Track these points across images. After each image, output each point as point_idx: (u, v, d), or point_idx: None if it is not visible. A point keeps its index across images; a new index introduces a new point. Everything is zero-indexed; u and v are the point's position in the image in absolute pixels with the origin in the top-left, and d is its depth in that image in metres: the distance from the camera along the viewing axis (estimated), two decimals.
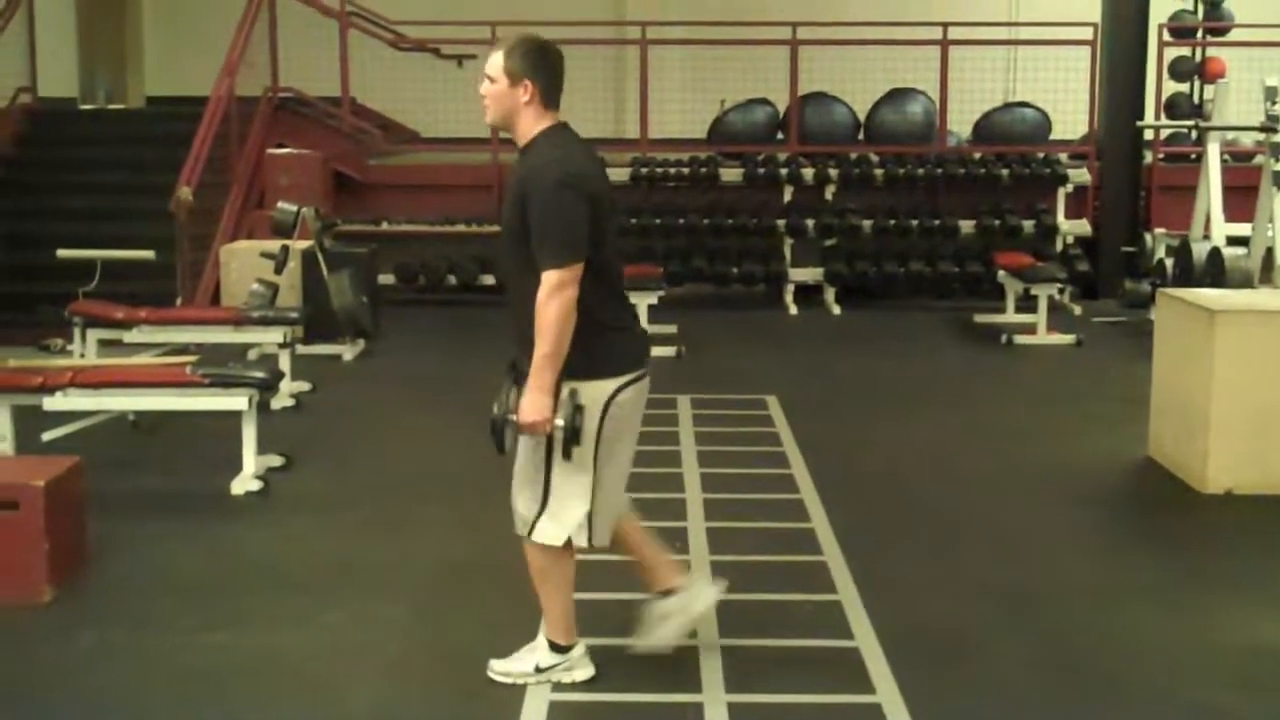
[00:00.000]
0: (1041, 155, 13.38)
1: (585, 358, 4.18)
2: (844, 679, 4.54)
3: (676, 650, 4.69)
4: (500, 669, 4.52)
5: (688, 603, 4.62)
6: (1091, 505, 6.66)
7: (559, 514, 4.31)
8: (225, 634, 4.95)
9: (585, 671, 4.50)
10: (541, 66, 4.24)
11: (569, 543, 4.37)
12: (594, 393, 4.24)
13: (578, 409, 4.18)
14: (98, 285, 9.39)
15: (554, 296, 4.09)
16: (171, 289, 10.70)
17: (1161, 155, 13.71)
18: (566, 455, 4.20)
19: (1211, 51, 14.35)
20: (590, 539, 4.36)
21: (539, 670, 4.48)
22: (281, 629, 5.01)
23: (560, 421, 4.16)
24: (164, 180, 11.34)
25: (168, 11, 16.81)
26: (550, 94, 4.27)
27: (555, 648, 4.48)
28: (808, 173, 13.08)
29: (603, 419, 4.27)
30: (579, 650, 4.51)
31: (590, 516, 4.33)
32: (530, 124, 4.27)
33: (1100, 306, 12.46)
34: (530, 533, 4.35)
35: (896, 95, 13.79)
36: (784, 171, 13.04)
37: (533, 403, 4.14)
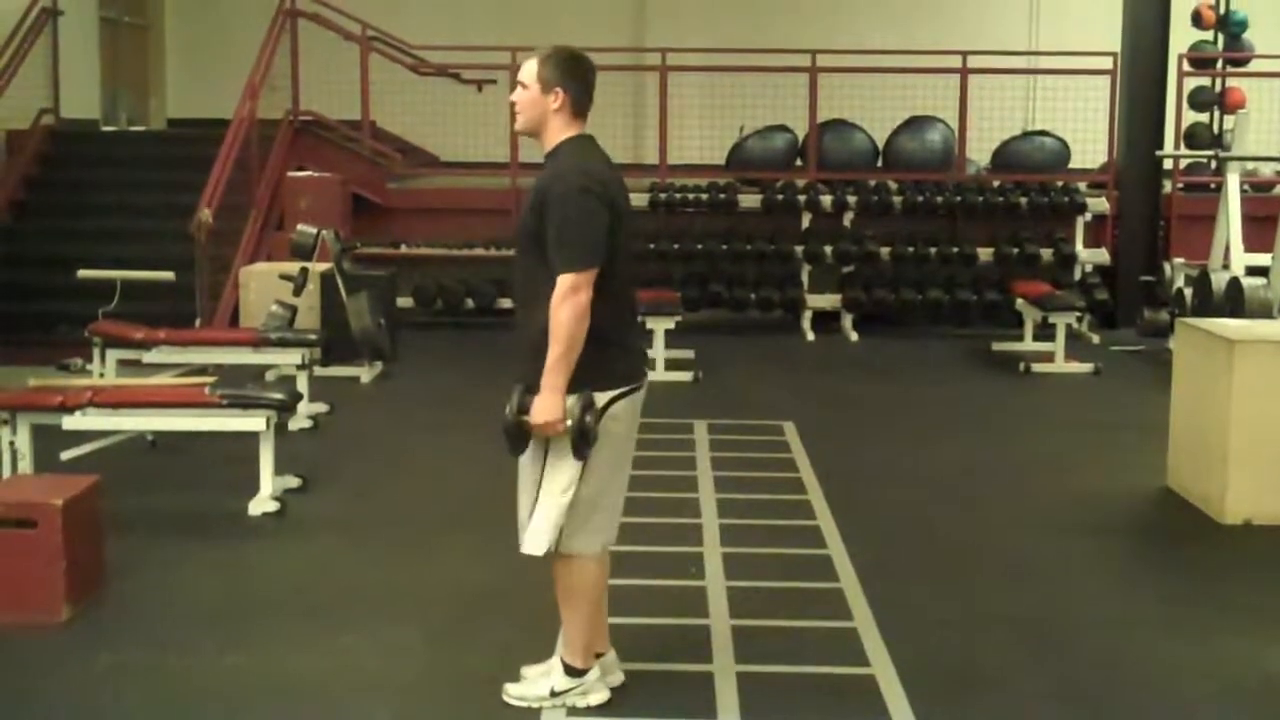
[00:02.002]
0: (1060, 184, 13.36)
1: (582, 369, 4.20)
2: (860, 706, 4.53)
3: (692, 675, 4.68)
4: (516, 693, 4.52)
5: (578, 688, 4.50)
6: (1109, 535, 6.63)
7: (544, 520, 4.30)
8: (241, 656, 4.95)
9: (600, 696, 4.50)
10: (573, 76, 4.32)
11: (599, 560, 4.39)
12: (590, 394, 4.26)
13: (588, 409, 4.20)
14: (117, 305, 9.40)
15: (568, 299, 4.13)
16: (191, 310, 10.73)
17: (1181, 185, 13.69)
18: (579, 455, 4.23)
19: (1231, 82, 14.34)
20: (565, 547, 4.34)
21: (554, 694, 4.47)
22: (297, 652, 5.01)
23: (570, 422, 4.18)
24: (184, 202, 11.39)
25: (190, 35, 16.90)
26: (580, 103, 4.34)
27: (571, 671, 4.47)
28: (826, 200, 13.08)
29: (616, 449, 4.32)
30: (594, 674, 4.50)
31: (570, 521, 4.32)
32: (557, 131, 4.33)
33: (1119, 336, 12.42)
34: (521, 543, 4.35)
35: (915, 123, 13.80)
36: (802, 198, 13.05)
37: (546, 403, 4.17)
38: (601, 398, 4.27)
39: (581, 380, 4.21)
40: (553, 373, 4.16)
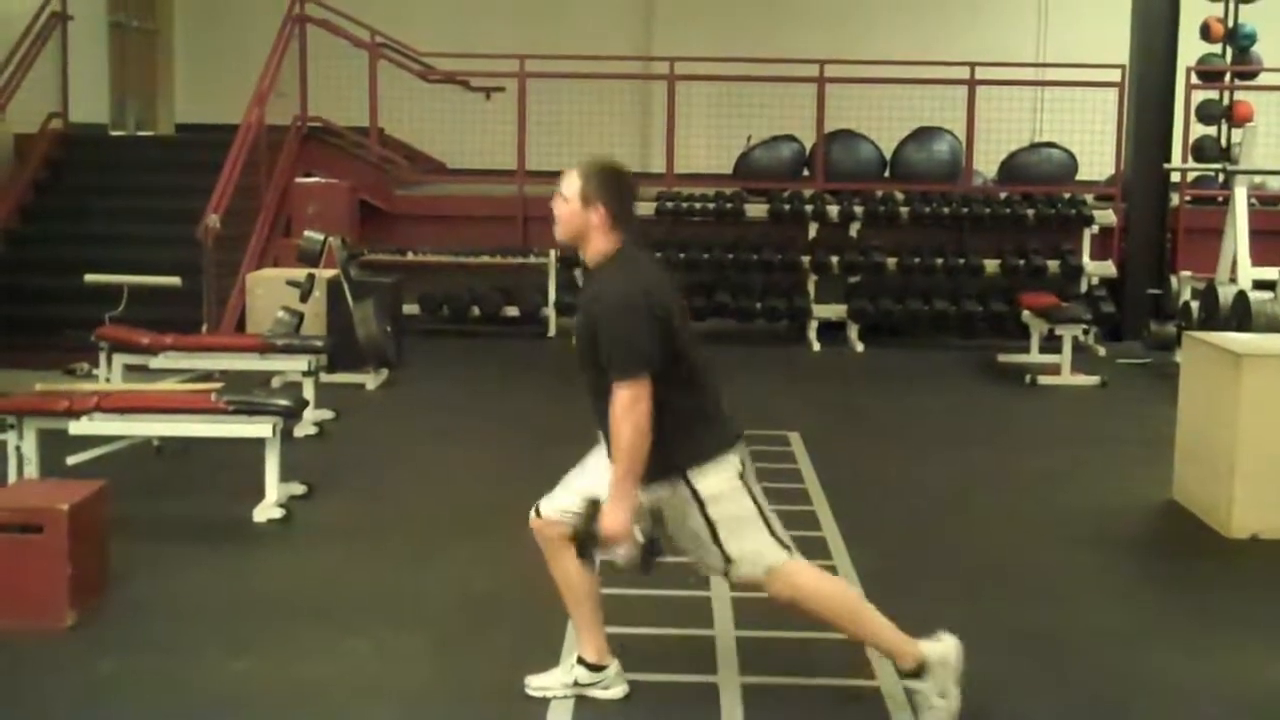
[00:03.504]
0: (1067, 196, 13.36)
1: (672, 453, 4.29)
2: (865, 718, 4.52)
3: (696, 687, 4.68)
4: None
5: (600, 682, 4.61)
6: (1115, 548, 6.62)
7: (755, 552, 4.41)
8: (246, 662, 4.95)
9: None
10: (614, 191, 4.42)
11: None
12: (720, 474, 4.37)
13: (657, 521, 4.33)
14: (124, 310, 9.42)
15: (627, 414, 4.20)
16: (197, 315, 10.73)
17: (1188, 198, 13.67)
18: (646, 570, 4.33)
19: (1239, 95, 14.31)
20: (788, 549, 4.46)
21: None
22: (302, 657, 5.01)
23: (640, 535, 4.27)
24: (192, 207, 11.40)
25: (199, 40, 16.93)
26: (620, 216, 4.43)
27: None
28: (833, 210, 13.08)
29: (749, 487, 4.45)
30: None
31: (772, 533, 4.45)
32: (599, 244, 4.42)
33: (1125, 348, 12.41)
34: (766, 578, 4.45)
35: (923, 134, 13.80)
36: (809, 208, 13.05)
37: (614, 516, 4.24)
38: (728, 462, 4.39)
39: (672, 463, 4.30)
40: (618, 486, 4.24)
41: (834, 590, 4.56)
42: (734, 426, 4.54)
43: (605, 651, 4.60)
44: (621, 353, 4.23)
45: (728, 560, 4.38)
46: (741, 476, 4.43)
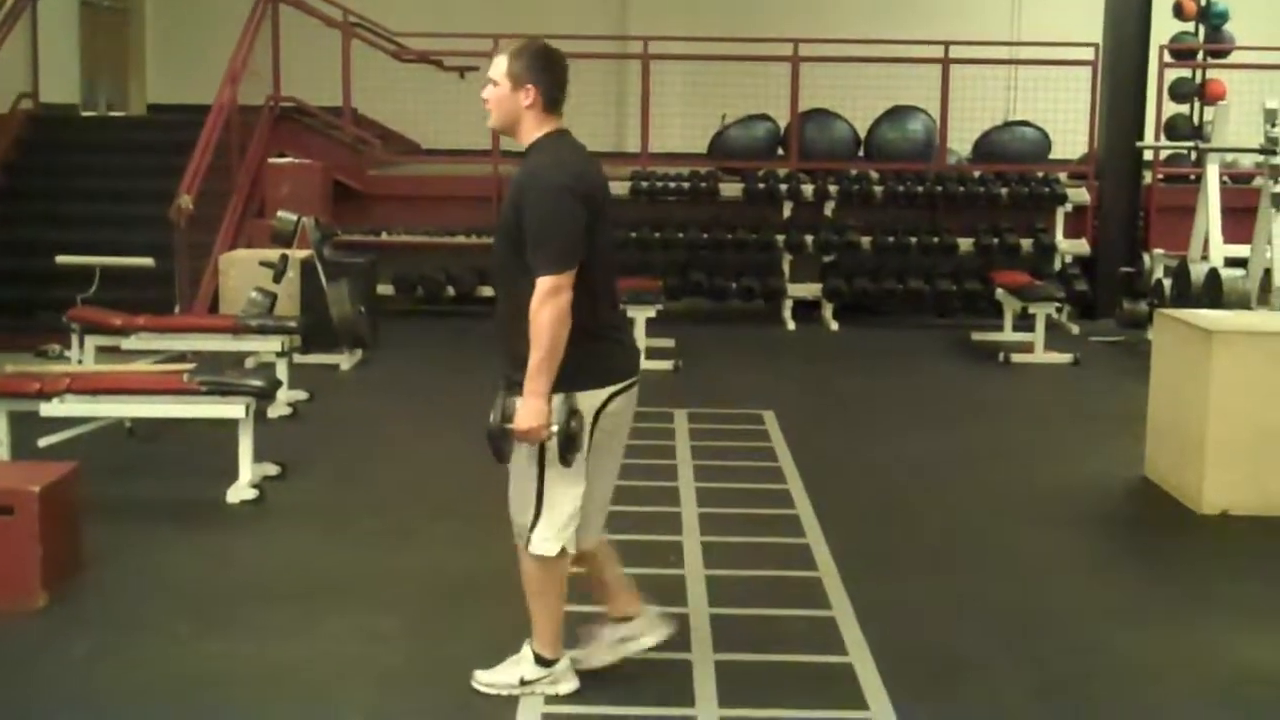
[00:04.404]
0: (1041, 174, 13.39)
1: (574, 367, 4.18)
2: (837, 695, 4.54)
3: (670, 664, 4.69)
4: (485, 680, 4.53)
5: (640, 633, 4.62)
6: (1087, 525, 6.66)
7: (553, 522, 4.31)
8: (220, 642, 4.95)
9: (570, 685, 4.51)
10: (545, 71, 4.28)
11: (563, 552, 4.37)
12: (585, 402, 4.24)
13: (573, 414, 4.18)
14: (96, 292, 9.38)
15: (548, 301, 4.09)
16: (170, 296, 10.68)
17: (1161, 176, 13.73)
18: (565, 462, 4.20)
19: (1212, 73, 14.37)
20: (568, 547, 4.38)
21: (524, 682, 4.48)
22: (276, 638, 5.01)
23: (556, 427, 4.16)
24: (164, 187, 11.34)
25: (170, 19, 16.82)
26: (553, 99, 4.30)
27: (541, 660, 4.48)
28: (807, 189, 13.08)
29: (594, 428, 4.28)
30: (564, 664, 4.51)
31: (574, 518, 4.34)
32: (532, 128, 4.30)
33: (1098, 326, 12.46)
34: (528, 544, 4.35)
35: (897, 113, 13.80)
36: (784, 187, 13.05)
37: (529, 409, 4.14)
38: (596, 396, 4.26)
39: (574, 379, 4.18)
40: (535, 378, 4.13)
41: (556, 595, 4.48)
42: (636, 358, 4.47)
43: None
44: (548, 238, 4.12)
45: (539, 504, 4.30)
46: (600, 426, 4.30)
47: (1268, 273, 10.40)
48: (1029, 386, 10.20)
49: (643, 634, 4.63)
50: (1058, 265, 13.01)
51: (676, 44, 13.88)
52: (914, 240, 12.88)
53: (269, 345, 8.58)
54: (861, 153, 13.81)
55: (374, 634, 5.05)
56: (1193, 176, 13.00)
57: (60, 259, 10.04)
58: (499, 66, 4.29)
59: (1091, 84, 13.46)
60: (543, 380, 4.13)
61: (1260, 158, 10.95)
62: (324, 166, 12.84)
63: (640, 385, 4.46)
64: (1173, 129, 14.12)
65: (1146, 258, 12.30)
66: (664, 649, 4.79)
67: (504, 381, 4.32)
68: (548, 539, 4.32)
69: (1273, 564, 6.12)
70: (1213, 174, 11.37)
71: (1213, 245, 11.15)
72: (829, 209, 13.10)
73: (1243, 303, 10.09)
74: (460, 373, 10.26)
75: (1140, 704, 4.59)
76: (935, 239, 12.91)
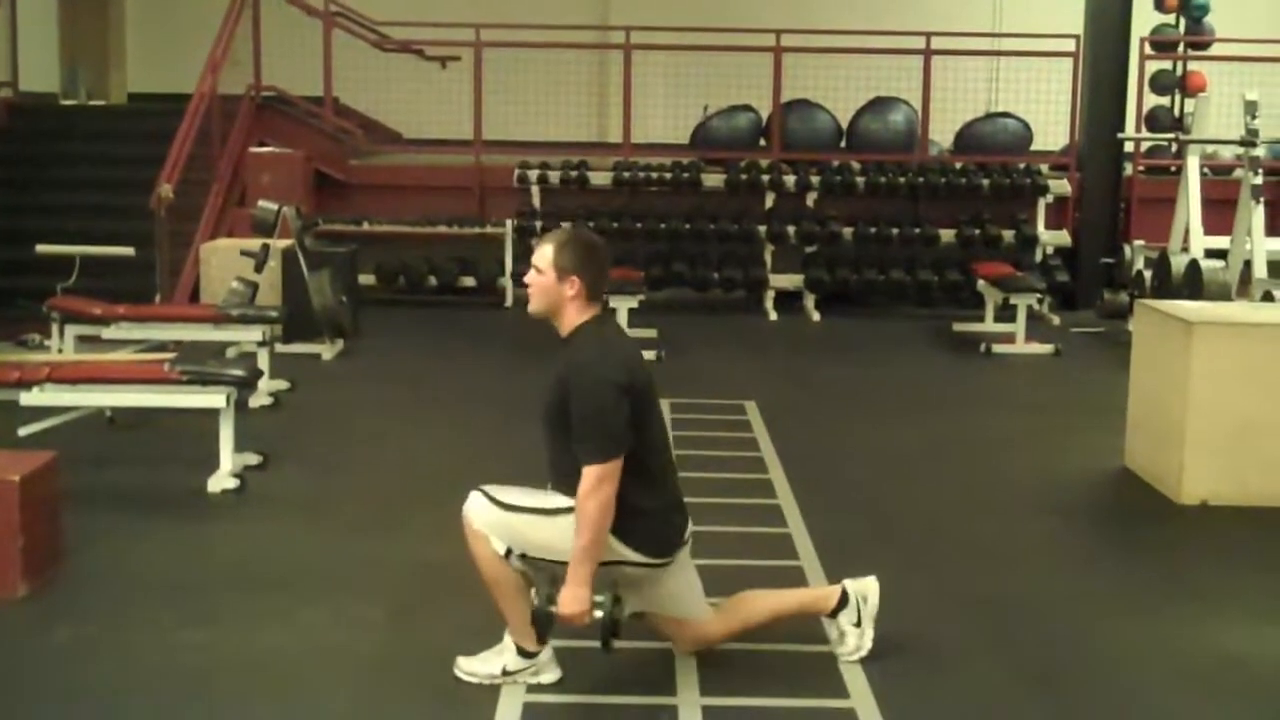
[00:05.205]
0: (1022, 166, 13.42)
1: (621, 532, 4.29)
2: (818, 684, 4.55)
3: (652, 653, 4.69)
4: (467, 668, 4.55)
5: (861, 604, 4.74)
6: (1067, 515, 6.68)
7: (504, 530, 4.36)
8: (202, 632, 4.94)
9: (552, 675, 4.52)
10: (589, 263, 4.37)
11: (509, 553, 4.39)
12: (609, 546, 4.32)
13: (617, 602, 4.28)
14: (77, 281, 9.35)
15: (594, 493, 4.17)
16: (151, 286, 10.66)
17: (1141, 168, 13.76)
18: (606, 648, 4.30)
19: (1192, 65, 14.42)
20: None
21: (505, 673, 4.50)
22: (258, 627, 5.00)
23: (600, 614, 4.24)
24: (145, 177, 11.31)
25: (151, 8, 16.75)
26: (595, 289, 4.39)
27: (523, 652, 4.50)
28: (789, 179, 13.09)
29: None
30: (546, 654, 4.52)
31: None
32: (574, 315, 4.39)
33: (1079, 317, 12.50)
34: (469, 500, 4.41)
35: (879, 104, 13.83)
36: (766, 178, 13.06)
37: (573, 596, 4.21)
38: (622, 552, 4.35)
39: (616, 543, 4.30)
40: (578, 565, 4.21)
41: None
42: (680, 533, 4.55)
43: (828, 598, 4.72)
44: (594, 431, 4.21)
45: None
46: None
47: (1248, 264, 10.47)
48: (1010, 377, 10.23)
49: (865, 601, 4.76)
50: (1039, 256, 13.05)
51: (659, 34, 13.88)
52: (896, 231, 12.90)
53: (250, 335, 8.56)
54: (844, 144, 13.84)
55: (356, 622, 5.05)
56: (1173, 168, 13.05)
57: (40, 248, 10.02)
58: (544, 256, 4.37)
59: (1073, 76, 13.49)
60: (585, 568, 4.21)
61: (1240, 150, 11.02)
62: (305, 156, 12.83)
63: None
64: (1153, 121, 14.17)
65: (1127, 249, 12.35)
66: (646, 638, 4.80)
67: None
68: (492, 526, 4.36)
69: (1251, 554, 6.14)
70: (1193, 166, 11.41)
71: (1193, 237, 11.20)
72: (811, 200, 13.12)
73: (1223, 294, 10.14)
74: (441, 362, 10.27)
75: (1120, 692, 4.61)
76: (917, 230, 12.93)
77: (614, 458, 4.20)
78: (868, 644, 4.71)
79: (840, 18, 14.65)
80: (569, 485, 4.26)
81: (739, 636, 4.72)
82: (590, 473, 4.18)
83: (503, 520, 4.35)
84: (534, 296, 4.40)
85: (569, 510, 4.26)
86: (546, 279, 4.36)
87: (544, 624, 4.30)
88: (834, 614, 4.76)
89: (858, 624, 4.70)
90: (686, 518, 4.59)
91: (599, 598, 4.24)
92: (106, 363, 7.64)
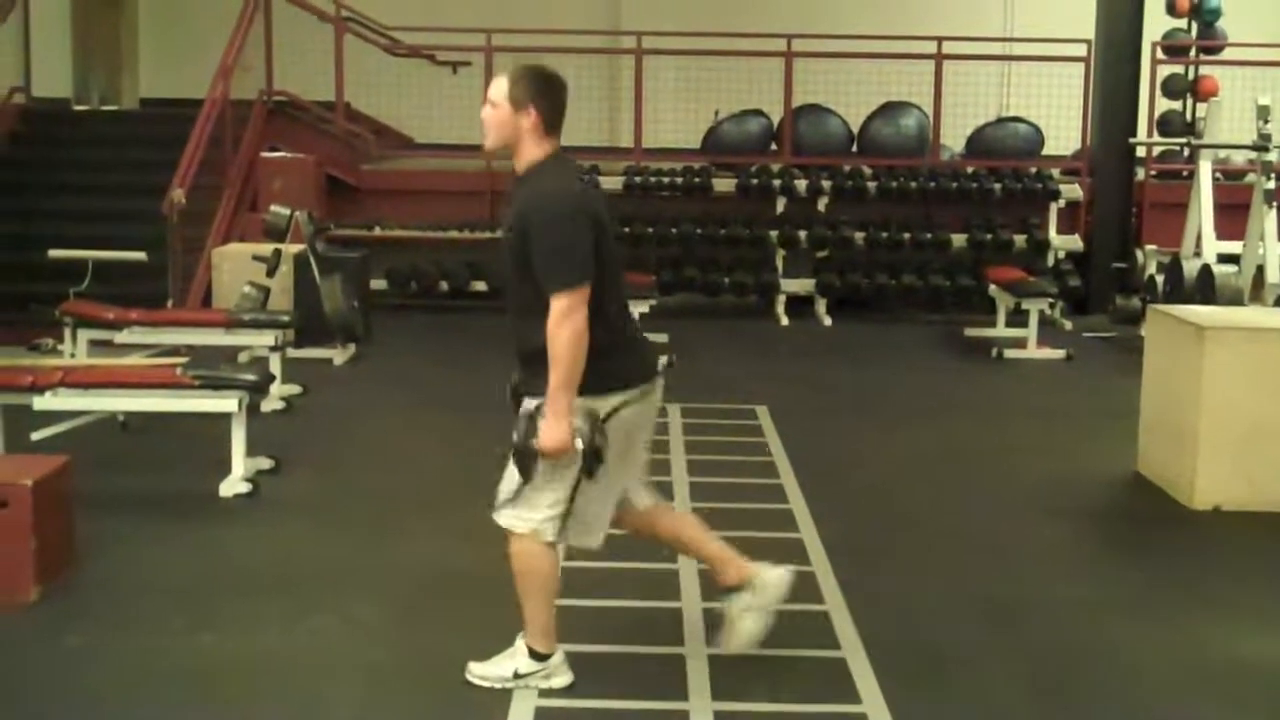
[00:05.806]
0: (1034, 170, 13.41)
1: (588, 378, 4.22)
2: (830, 689, 4.55)
3: (663, 658, 4.69)
4: (479, 672, 4.54)
5: (759, 591, 4.66)
6: (1079, 520, 6.67)
7: (530, 505, 4.34)
8: (211, 636, 4.95)
9: (564, 679, 4.51)
10: (545, 94, 4.32)
11: (552, 546, 4.38)
12: (590, 406, 4.26)
13: (597, 430, 4.23)
14: (89, 286, 9.36)
15: (564, 322, 4.14)
16: (163, 291, 10.67)
17: (1154, 172, 13.74)
18: (590, 474, 4.26)
19: (1204, 70, 14.38)
20: (560, 537, 4.39)
21: (517, 676, 4.49)
22: (268, 632, 5.01)
23: (581, 444, 4.21)
24: (157, 182, 11.33)
25: (163, 14, 16.77)
26: (551, 121, 4.34)
27: (535, 655, 4.49)
28: (801, 184, 13.09)
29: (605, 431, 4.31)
30: (558, 658, 4.52)
31: (564, 518, 4.34)
32: (530, 150, 4.34)
33: (1091, 322, 12.47)
34: (497, 513, 4.38)
35: (890, 108, 13.82)
36: (777, 183, 13.05)
37: (553, 429, 4.19)
38: (606, 402, 4.29)
39: (588, 387, 4.23)
40: (557, 398, 4.18)
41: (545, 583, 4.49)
42: (652, 361, 4.55)
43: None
44: (559, 262, 4.17)
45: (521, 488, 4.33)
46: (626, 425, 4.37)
47: (1260, 269, 10.44)
48: (1022, 382, 10.21)
49: (763, 592, 4.67)
50: (1050, 261, 13.02)
51: (670, 39, 13.87)
52: (907, 235, 12.88)
53: (262, 339, 8.57)
54: (855, 148, 13.82)
55: (368, 627, 5.05)
56: (1185, 173, 13.02)
57: (53, 253, 10.03)
58: (499, 89, 4.33)
59: (1084, 80, 13.48)
60: (563, 400, 4.19)
61: (1253, 154, 11.00)
62: (317, 161, 12.84)
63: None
64: (1165, 125, 14.14)
65: (1139, 254, 12.33)
66: (658, 643, 4.81)
67: (511, 390, 4.40)
68: (517, 518, 4.35)
69: (1264, 559, 6.13)
70: (1205, 170, 11.40)
71: (1205, 241, 11.18)
72: (822, 204, 13.11)
73: (1235, 299, 10.12)
74: (453, 367, 10.27)
75: (1132, 698, 4.60)
76: (928, 234, 12.92)
77: (580, 286, 4.17)
78: (749, 639, 4.64)
79: (851, 22, 14.63)
80: (529, 324, 4.23)
81: (648, 539, 4.74)
82: (558, 303, 4.14)
83: (529, 496, 4.31)
84: (490, 131, 4.36)
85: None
86: (502, 112, 4.31)
87: (526, 460, 4.26)
88: (730, 591, 4.67)
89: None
90: (653, 346, 4.60)
91: (578, 423, 4.20)
92: (119, 367, 7.65)
